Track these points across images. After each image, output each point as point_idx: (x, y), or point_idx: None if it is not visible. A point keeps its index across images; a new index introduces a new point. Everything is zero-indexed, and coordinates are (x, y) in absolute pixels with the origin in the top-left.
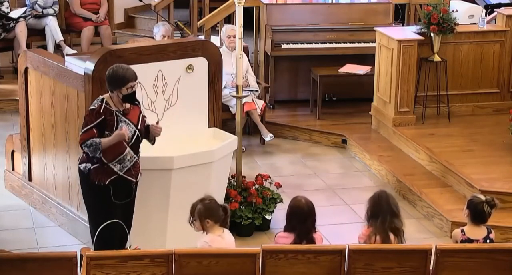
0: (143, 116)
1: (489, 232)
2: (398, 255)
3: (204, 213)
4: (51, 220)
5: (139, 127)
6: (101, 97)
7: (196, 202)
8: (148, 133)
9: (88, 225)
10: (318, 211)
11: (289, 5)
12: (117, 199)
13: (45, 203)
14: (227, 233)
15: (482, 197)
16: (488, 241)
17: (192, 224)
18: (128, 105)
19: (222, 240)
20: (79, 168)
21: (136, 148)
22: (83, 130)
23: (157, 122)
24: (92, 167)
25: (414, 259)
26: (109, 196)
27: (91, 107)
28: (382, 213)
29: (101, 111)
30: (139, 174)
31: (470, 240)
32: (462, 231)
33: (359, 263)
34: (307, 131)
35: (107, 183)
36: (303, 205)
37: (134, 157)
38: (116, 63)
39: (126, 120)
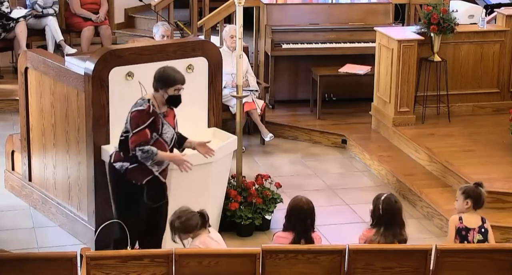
0: (176, 120)
1: (483, 222)
2: (398, 255)
3: (184, 230)
4: (51, 220)
5: (176, 130)
6: (146, 97)
7: (173, 220)
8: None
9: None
10: (318, 211)
11: (289, 5)
12: (149, 200)
13: (45, 203)
14: (212, 231)
15: (469, 184)
16: (483, 230)
17: (175, 241)
18: (165, 108)
19: (212, 240)
20: (114, 166)
21: (172, 151)
22: (134, 131)
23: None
24: (130, 166)
25: (414, 259)
26: (142, 196)
27: (139, 108)
28: (394, 227)
29: (151, 111)
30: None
31: (467, 229)
32: (460, 219)
33: (359, 263)
34: (307, 131)
35: (144, 182)
36: (304, 204)
37: None
38: (164, 65)
39: (167, 123)
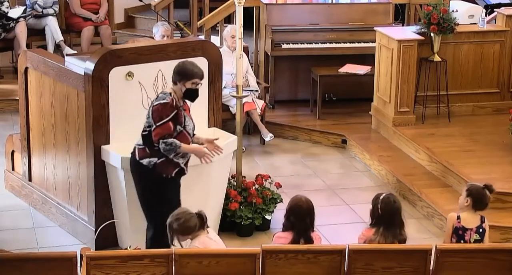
0: (191, 114)
1: (482, 221)
2: (398, 255)
3: (183, 232)
4: (51, 220)
5: (194, 122)
6: (167, 91)
7: (171, 221)
8: None
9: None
10: (318, 211)
11: (289, 5)
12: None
13: (45, 203)
14: (211, 232)
15: (478, 184)
16: (480, 230)
17: (173, 244)
18: (182, 102)
19: (211, 240)
20: (141, 163)
21: (193, 143)
22: (157, 124)
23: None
24: (158, 161)
25: (414, 259)
26: (177, 182)
27: (162, 101)
28: (393, 227)
29: (174, 104)
30: None
31: (464, 229)
32: (458, 218)
33: (359, 263)
34: (307, 131)
35: (173, 175)
36: (303, 203)
37: None
38: (185, 59)
39: (187, 115)
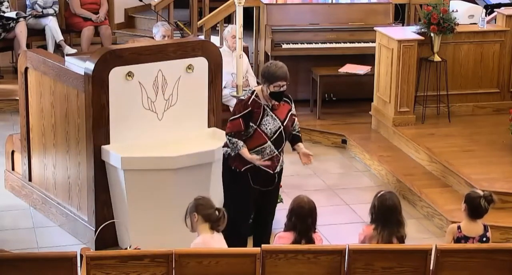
0: (292, 114)
1: (486, 230)
2: (398, 255)
3: (193, 208)
4: (51, 220)
5: (285, 124)
6: (252, 88)
7: (191, 202)
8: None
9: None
10: (318, 211)
11: (289, 5)
12: (256, 185)
13: (45, 203)
14: (218, 235)
15: (480, 192)
16: (484, 239)
17: (186, 222)
18: (274, 101)
19: (212, 239)
20: (221, 152)
21: (278, 144)
22: (230, 119)
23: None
24: (232, 153)
25: (414, 259)
26: (247, 180)
27: (241, 97)
28: (390, 224)
29: (249, 102)
30: (277, 167)
31: (466, 238)
32: (459, 227)
33: (359, 263)
34: (307, 131)
35: (242, 170)
36: (305, 204)
37: (274, 152)
38: (272, 60)
39: (273, 115)
